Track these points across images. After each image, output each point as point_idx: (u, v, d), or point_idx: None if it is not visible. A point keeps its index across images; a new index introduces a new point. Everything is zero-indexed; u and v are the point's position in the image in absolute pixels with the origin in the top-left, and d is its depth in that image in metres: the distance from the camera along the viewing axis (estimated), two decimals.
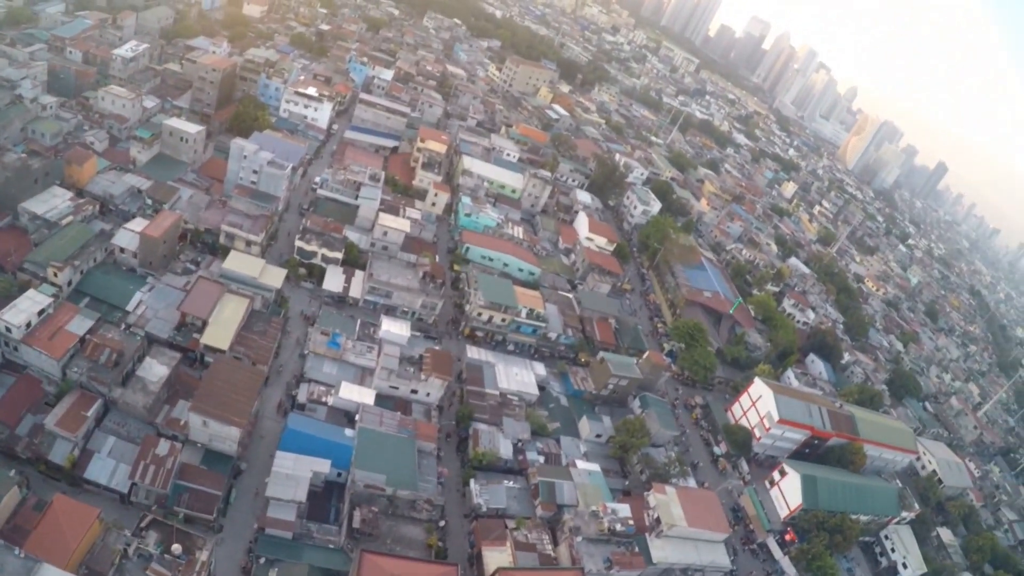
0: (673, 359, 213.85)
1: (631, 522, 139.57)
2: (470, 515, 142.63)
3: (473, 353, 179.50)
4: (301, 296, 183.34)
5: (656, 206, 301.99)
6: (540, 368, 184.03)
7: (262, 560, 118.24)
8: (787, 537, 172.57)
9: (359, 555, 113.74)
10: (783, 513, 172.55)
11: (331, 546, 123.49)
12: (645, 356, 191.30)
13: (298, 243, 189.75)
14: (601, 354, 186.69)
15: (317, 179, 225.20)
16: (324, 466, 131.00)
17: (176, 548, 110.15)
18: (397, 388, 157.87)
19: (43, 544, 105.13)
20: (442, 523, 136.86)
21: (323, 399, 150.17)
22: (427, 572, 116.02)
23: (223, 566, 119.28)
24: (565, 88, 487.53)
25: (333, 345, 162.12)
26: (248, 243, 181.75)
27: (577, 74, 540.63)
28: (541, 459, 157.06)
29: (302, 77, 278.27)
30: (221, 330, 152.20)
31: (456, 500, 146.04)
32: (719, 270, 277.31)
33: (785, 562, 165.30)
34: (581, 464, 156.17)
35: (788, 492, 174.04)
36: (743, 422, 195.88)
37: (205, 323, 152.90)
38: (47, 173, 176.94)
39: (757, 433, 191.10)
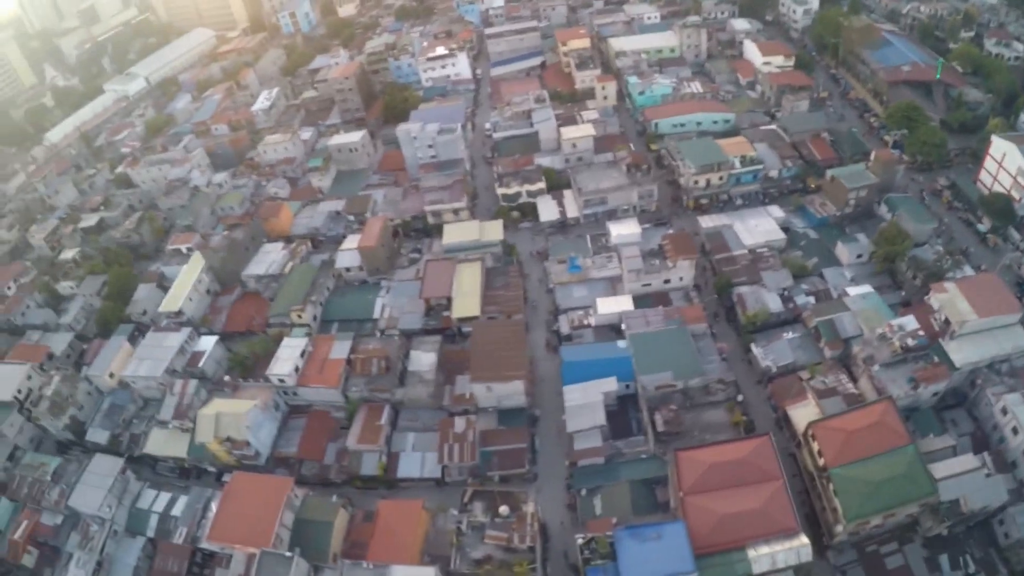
0: (900, 149, 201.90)
1: (921, 333, 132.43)
2: (762, 379, 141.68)
3: (706, 222, 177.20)
4: (524, 237, 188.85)
5: (814, 1, 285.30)
6: (776, 210, 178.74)
7: (583, 492, 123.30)
8: None
9: (673, 456, 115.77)
10: None
11: (643, 456, 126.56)
12: (873, 157, 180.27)
13: (499, 190, 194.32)
14: (829, 172, 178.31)
15: (487, 125, 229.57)
16: (611, 384, 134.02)
17: (503, 509, 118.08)
18: (649, 284, 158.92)
19: (384, 549, 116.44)
20: (740, 397, 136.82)
21: (585, 322, 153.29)
22: (743, 449, 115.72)
23: (549, 509, 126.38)
24: None
25: (574, 269, 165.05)
26: (455, 212, 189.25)
27: None
28: (811, 300, 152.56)
29: (425, 43, 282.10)
30: (467, 299, 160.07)
31: (744, 370, 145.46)
32: (905, 38, 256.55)
33: None
34: (852, 290, 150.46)
35: None
36: (996, 188, 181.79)
37: (450, 299, 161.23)
38: (252, 237, 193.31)
39: (1015, 194, 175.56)
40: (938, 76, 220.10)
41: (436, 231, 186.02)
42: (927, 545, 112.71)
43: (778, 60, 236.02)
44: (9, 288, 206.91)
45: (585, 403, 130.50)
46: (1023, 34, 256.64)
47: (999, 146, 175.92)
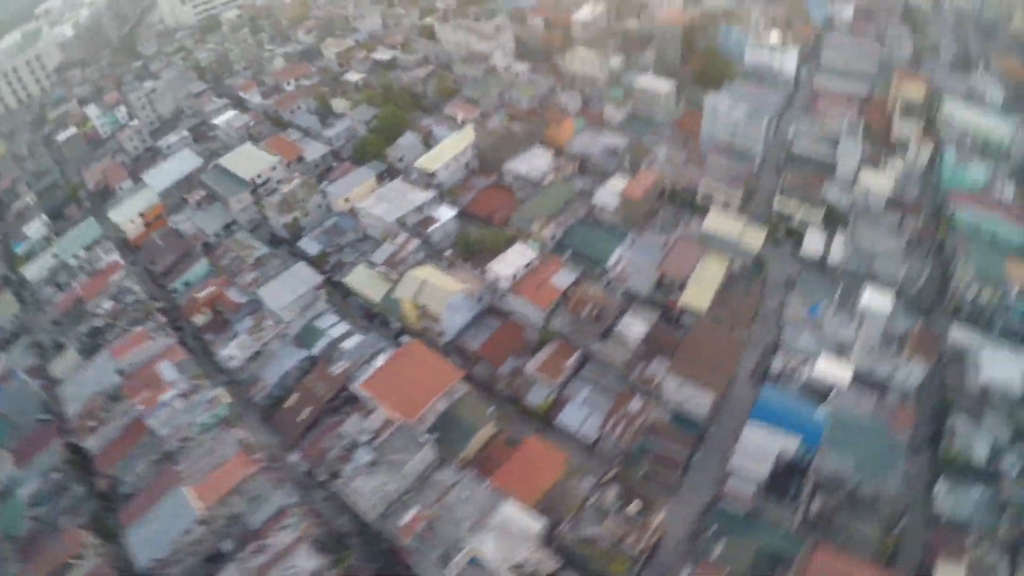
0: None
1: None
2: (929, 521, 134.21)
3: (957, 333, 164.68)
4: (779, 259, 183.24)
5: None
6: None
7: (711, 530, 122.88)
8: None
9: (813, 544, 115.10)
10: None
11: (782, 528, 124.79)
12: None
13: (778, 202, 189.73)
14: None
15: (790, 132, 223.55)
16: (793, 443, 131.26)
17: (635, 506, 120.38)
18: (875, 367, 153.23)
19: (511, 479, 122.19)
20: (900, 523, 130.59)
21: (798, 371, 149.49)
22: None
23: (672, 526, 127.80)
24: None
25: (813, 314, 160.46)
26: (727, 202, 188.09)
27: None
28: (1018, 468, 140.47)
29: (762, 24, 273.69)
30: (700, 291, 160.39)
31: (917, 498, 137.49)
32: None
33: None
34: None
35: None
36: None
37: (684, 283, 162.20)
38: (528, 135, 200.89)
39: None
40: None
41: (699, 211, 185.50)
42: None
43: None
44: (289, 84, 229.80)
45: (760, 447, 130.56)
46: None
47: None
